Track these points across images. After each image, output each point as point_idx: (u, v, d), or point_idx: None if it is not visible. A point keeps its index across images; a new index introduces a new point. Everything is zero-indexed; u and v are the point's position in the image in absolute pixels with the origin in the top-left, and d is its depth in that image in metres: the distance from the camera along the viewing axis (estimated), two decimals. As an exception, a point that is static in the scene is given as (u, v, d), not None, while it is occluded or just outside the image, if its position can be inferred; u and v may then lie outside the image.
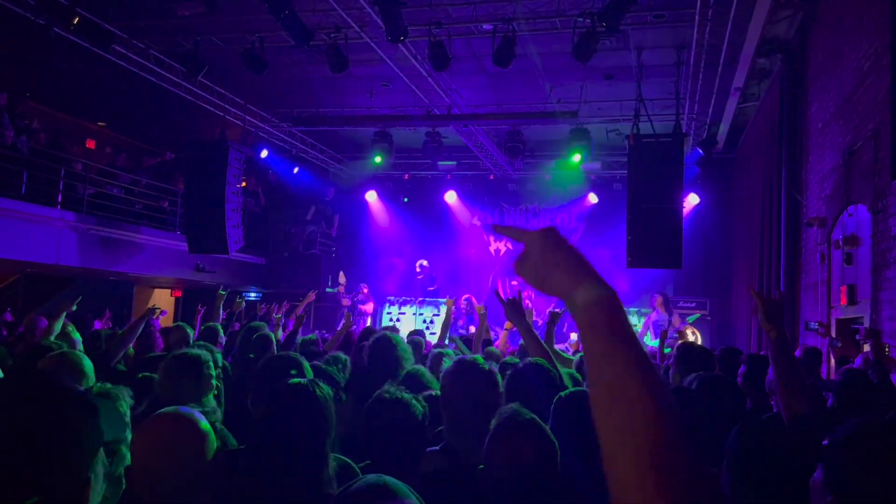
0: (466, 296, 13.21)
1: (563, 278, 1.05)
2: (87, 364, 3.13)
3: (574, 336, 11.86)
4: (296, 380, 2.27)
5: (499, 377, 2.74)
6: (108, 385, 2.48)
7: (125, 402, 2.42)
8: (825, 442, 1.61)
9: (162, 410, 1.98)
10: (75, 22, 8.80)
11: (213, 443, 1.94)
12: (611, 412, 0.93)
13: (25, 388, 1.24)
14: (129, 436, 2.23)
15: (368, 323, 13.57)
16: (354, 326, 9.03)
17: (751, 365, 4.04)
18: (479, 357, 2.84)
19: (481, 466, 2.09)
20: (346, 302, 13.43)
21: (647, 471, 0.87)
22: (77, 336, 4.89)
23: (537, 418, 2.12)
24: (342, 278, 13.72)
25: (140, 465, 1.85)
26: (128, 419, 2.34)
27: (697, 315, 12.33)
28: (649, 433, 0.89)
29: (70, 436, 1.19)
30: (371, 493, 1.59)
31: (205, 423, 1.94)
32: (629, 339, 0.98)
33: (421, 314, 15.22)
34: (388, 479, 1.72)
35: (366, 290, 14.23)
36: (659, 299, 11.49)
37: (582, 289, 1.02)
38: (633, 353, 0.96)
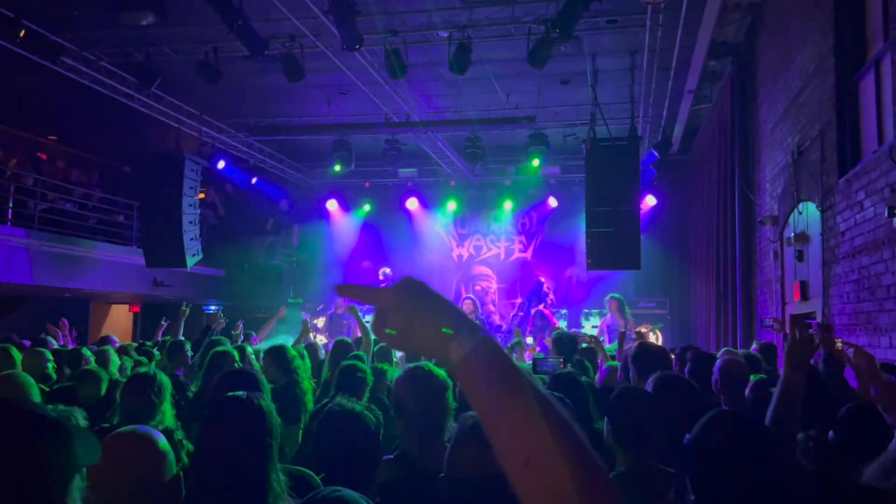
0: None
1: (429, 337, 0.93)
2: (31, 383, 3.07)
3: (530, 339, 11.92)
4: (235, 393, 2.23)
5: (450, 382, 2.75)
6: (61, 406, 2.43)
7: (79, 424, 2.36)
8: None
9: (119, 430, 1.94)
10: (21, 34, 8.60)
11: (172, 463, 1.89)
12: (513, 467, 0.87)
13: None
14: None
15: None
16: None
17: (696, 363, 4.12)
18: (429, 363, 2.84)
19: (442, 475, 2.07)
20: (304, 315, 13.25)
21: None
22: (17, 355, 4.80)
23: None
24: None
25: (96, 485, 1.80)
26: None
27: (661, 325, 12.46)
28: (563, 488, 0.84)
29: (45, 462, 1.16)
30: None
31: (163, 443, 1.90)
32: (513, 387, 0.89)
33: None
34: (345, 491, 1.69)
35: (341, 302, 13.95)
36: (613, 304, 11.60)
37: (453, 344, 0.92)
38: (520, 402, 0.88)
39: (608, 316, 12.07)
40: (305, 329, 6.86)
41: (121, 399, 3.17)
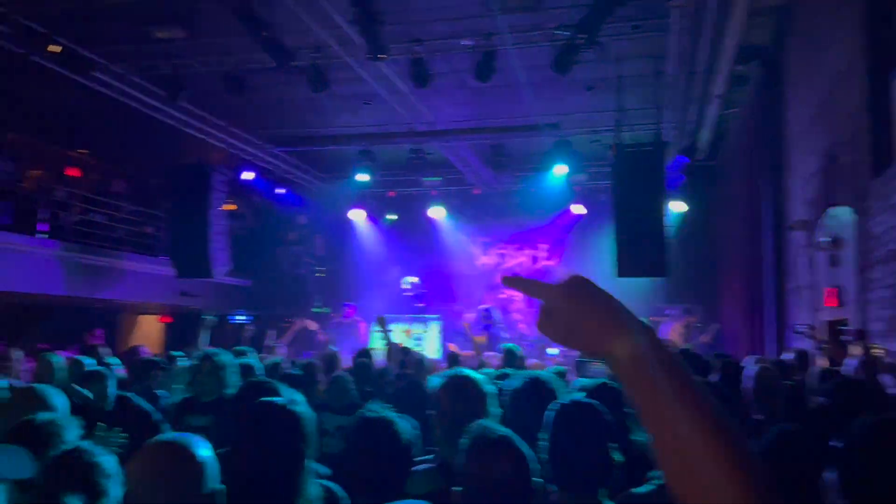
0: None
1: (595, 332, 0.92)
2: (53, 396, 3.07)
3: (555, 350, 11.90)
4: (271, 398, 2.20)
5: (492, 389, 2.74)
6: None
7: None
8: (837, 444, 1.57)
9: (157, 437, 1.90)
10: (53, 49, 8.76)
11: (212, 474, 1.84)
12: (688, 473, 0.82)
13: None
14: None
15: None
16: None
17: (725, 370, 4.10)
18: (467, 370, 2.83)
19: (458, 489, 2.06)
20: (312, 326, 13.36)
21: None
22: (57, 360, 4.86)
23: (509, 433, 2.10)
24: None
25: (133, 496, 1.78)
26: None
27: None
28: (740, 491, 0.79)
29: None
30: None
31: (203, 453, 1.85)
32: (686, 384, 0.85)
33: (410, 330, 15.15)
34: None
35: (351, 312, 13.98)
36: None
37: (619, 342, 0.89)
38: (696, 401, 0.84)
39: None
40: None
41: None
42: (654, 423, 0.86)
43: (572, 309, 0.93)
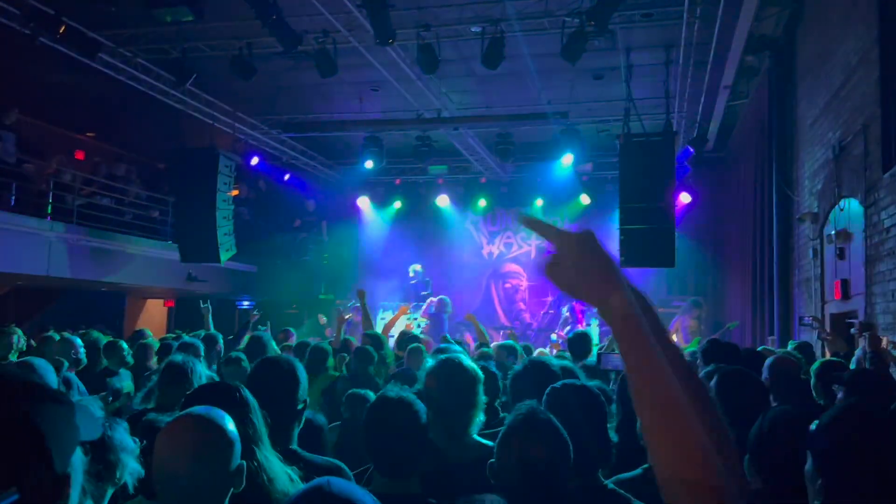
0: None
1: (598, 284, 1.05)
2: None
3: (554, 336, 11.88)
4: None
5: (481, 375, 2.74)
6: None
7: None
8: (812, 428, 1.69)
9: (189, 410, 1.87)
10: (61, 31, 8.74)
11: (238, 452, 1.83)
12: (659, 420, 0.95)
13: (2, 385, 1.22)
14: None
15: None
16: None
17: (748, 360, 4.08)
18: (460, 356, 2.83)
19: (492, 461, 2.06)
20: (322, 320, 13.36)
21: (704, 481, 0.91)
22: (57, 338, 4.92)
23: (553, 418, 2.10)
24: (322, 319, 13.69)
25: (160, 468, 1.76)
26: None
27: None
28: (702, 442, 0.92)
29: (47, 431, 1.16)
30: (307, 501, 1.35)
31: (232, 429, 1.84)
32: (668, 343, 1.03)
33: (415, 318, 15.14)
34: (335, 481, 1.47)
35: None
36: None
37: (617, 294, 1.02)
38: (674, 358, 1.01)
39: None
40: (340, 320, 6.97)
41: (157, 389, 3.16)
42: (636, 369, 0.98)
43: (581, 257, 1.06)
